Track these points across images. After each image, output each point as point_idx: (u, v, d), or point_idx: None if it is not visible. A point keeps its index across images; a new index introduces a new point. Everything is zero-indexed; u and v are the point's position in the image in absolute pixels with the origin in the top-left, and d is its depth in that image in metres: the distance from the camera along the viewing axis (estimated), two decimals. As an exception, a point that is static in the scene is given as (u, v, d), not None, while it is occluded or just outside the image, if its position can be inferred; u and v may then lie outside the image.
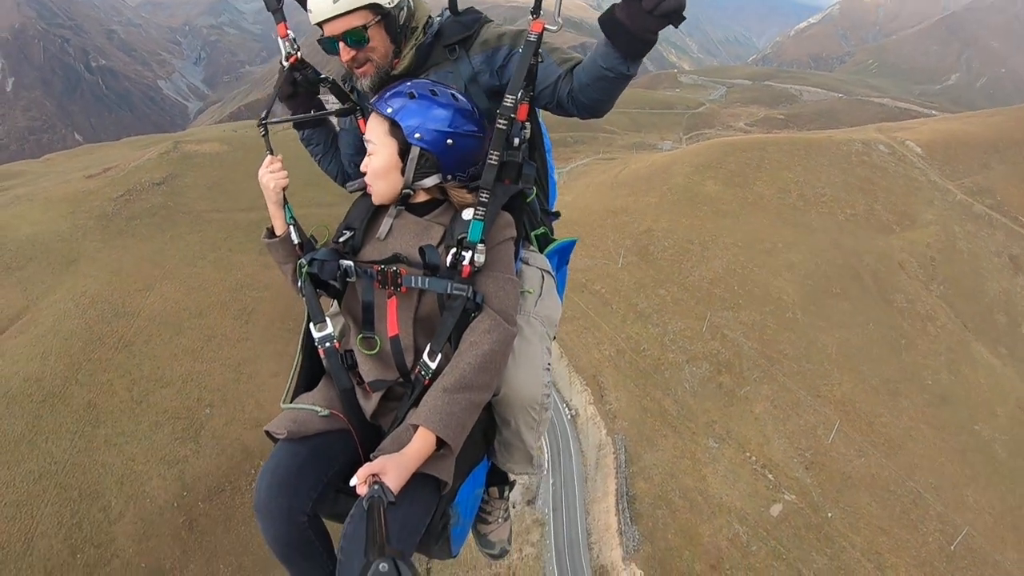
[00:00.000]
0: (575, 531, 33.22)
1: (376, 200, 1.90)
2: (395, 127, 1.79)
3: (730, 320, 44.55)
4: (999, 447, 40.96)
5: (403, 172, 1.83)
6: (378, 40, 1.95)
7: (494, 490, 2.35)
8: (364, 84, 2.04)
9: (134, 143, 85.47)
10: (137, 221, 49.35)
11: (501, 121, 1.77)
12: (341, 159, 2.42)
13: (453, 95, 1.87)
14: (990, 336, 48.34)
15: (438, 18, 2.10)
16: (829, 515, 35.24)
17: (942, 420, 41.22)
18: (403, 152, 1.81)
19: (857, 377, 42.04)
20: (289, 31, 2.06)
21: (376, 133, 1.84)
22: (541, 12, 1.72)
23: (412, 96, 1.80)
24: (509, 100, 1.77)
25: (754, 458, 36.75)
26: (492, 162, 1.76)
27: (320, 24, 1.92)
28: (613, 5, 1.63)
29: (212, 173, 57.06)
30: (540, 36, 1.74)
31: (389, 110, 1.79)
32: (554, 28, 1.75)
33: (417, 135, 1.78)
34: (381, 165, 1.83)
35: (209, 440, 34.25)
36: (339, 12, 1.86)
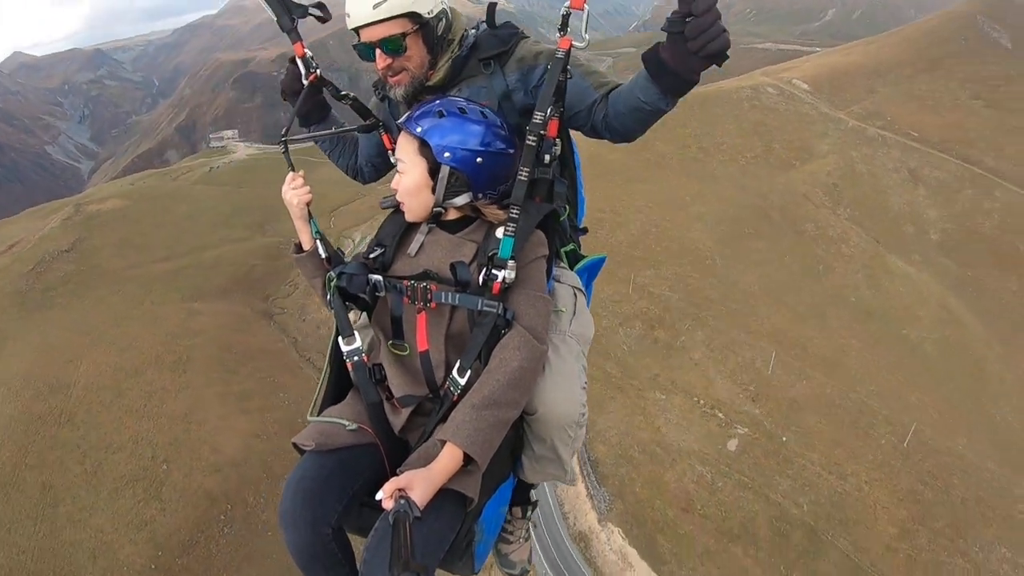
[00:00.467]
0: (547, 506, 40.96)
1: (409, 217, 2.35)
2: (424, 146, 2.23)
3: (653, 278, 55.66)
4: (928, 346, 55.00)
5: (434, 191, 2.27)
6: (415, 50, 2.43)
7: (516, 510, 2.91)
8: (397, 93, 2.52)
9: (34, 214, 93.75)
10: (53, 292, 57.23)
11: (530, 138, 2.17)
12: (357, 155, 3.09)
13: (483, 112, 2.30)
14: (902, 247, 63.15)
15: (473, 31, 2.60)
16: (784, 439, 46.31)
17: (871, 332, 54.65)
18: (433, 171, 2.25)
19: (784, 308, 54.55)
20: (306, 50, 2.60)
21: (406, 152, 2.29)
22: (569, 29, 2.14)
23: (441, 115, 2.23)
24: (538, 117, 2.17)
25: (702, 401, 47.26)
26: (522, 178, 2.16)
27: (357, 30, 2.40)
28: (658, 44, 2.04)
29: (119, 230, 66.84)
30: (568, 53, 2.17)
31: (419, 129, 2.21)
32: (581, 45, 2.16)
33: (447, 154, 2.20)
34: (412, 184, 2.28)
35: (172, 495, 40.52)
36: (378, 18, 2.32)
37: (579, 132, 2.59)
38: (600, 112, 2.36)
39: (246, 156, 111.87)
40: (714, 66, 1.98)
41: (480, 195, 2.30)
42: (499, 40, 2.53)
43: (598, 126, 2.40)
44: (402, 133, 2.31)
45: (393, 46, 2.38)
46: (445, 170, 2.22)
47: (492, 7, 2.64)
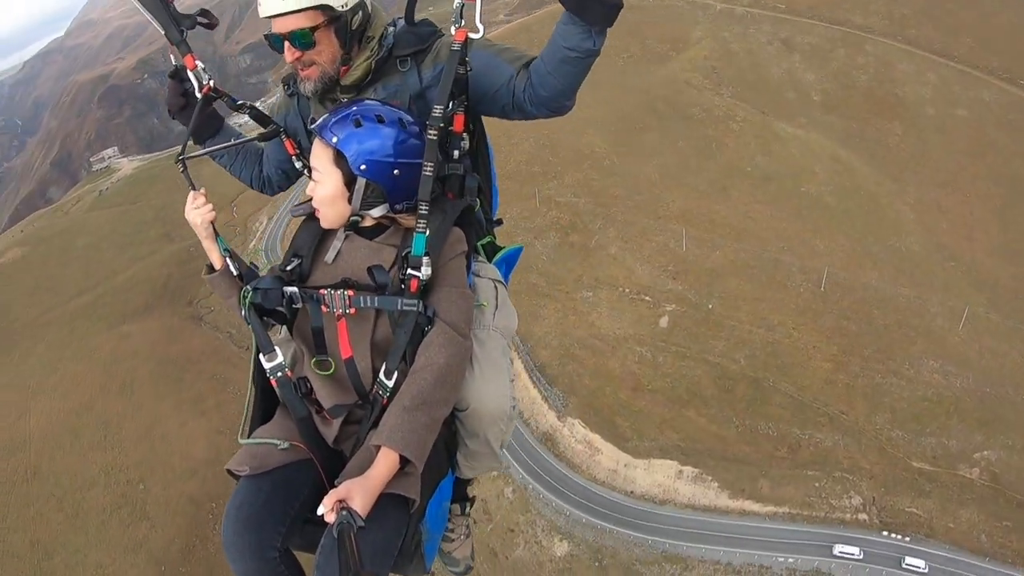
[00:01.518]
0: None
1: (324, 225, 2.47)
2: (340, 156, 2.32)
3: (558, 188, 60.00)
4: (827, 197, 61.82)
5: (350, 201, 2.39)
6: (325, 43, 2.49)
7: (455, 507, 3.08)
8: (307, 88, 2.60)
9: None
10: None
11: (431, 132, 2.30)
12: (261, 165, 3.21)
13: (400, 120, 2.38)
14: (787, 112, 69.24)
15: (392, 27, 2.69)
16: (710, 307, 51.67)
17: (772, 195, 60.86)
18: (349, 182, 2.37)
19: (686, 189, 59.90)
20: (198, 62, 2.69)
21: (321, 161, 2.39)
22: (463, 20, 2.30)
23: (358, 123, 2.32)
24: (437, 111, 2.31)
25: (627, 290, 52.03)
26: (427, 174, 2.28)
27: (268, 19, 2.48)
28: None
29: (25, 280, 70.25)
30: (464, 45, 2.33)
31: (334, 139, 2.30)
32: (477, 36, 2.33)
33: (363, 166, 2.30)
34: (327, 195, 2.39)
35: (157, 510, 44.38)
36: (288, 10, 2.39)
37: (504, 116, 2.65)
38: (521, 83, 2.46)
39: (132, 171, 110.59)
40: None
41: (397, 205, 2.45)
42: (417, 38, 2.65)
43: (521, 100, 2.48)
44: (316, 140, 2.42)
45: (302, 39, 2.47)
46: (361, 182, 2.36)
47: (412, 3, 2.72)
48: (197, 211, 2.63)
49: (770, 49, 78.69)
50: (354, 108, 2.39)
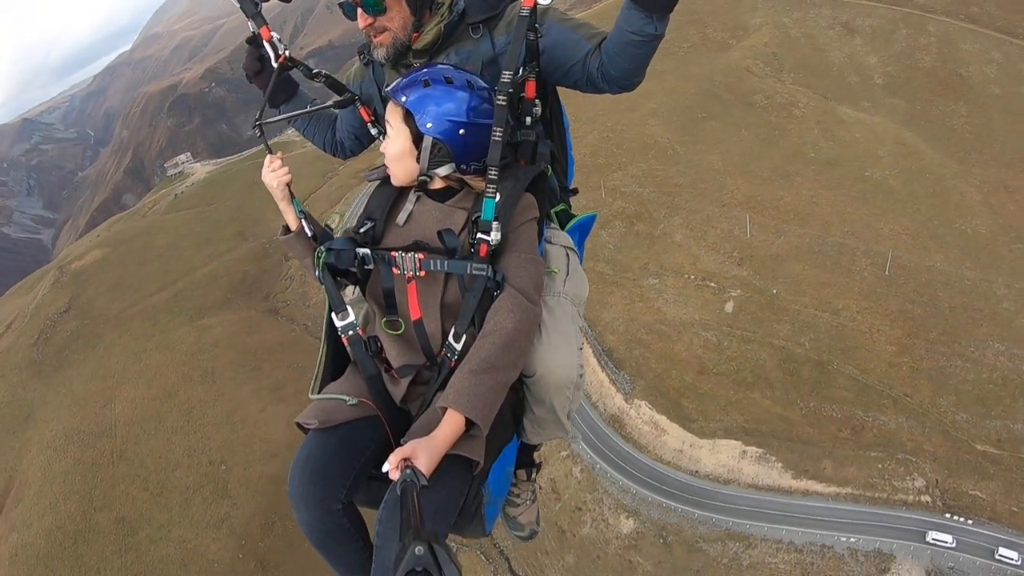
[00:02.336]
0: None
1: (394, 182, 2.58)
2: (408, 115, 2.42)
3: (622, 178, 61.04)
4: (892, 180, 61.14)
5: (418, 159, 2.46)
6: (396, 9, 2.58)
7: (521, 472, 3.12)
8: (379, 54, 2.71)
9: (16, 292, 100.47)
10: (66, 351, 64.18)
11: (500, 97, 2.34)
12: (335, 130, 3.33)
13: (469, 82, 2.45)
14: (850, 97, 68.83)
15: None
16: (774, 291, 52.20)
17: (836, 179, 60.53)
18: (417, 140, 2.44)
19: (750, 176, 60.17)
20: (273, 32, 2.77)
21: (393, 119, 2.50)
22: None
23: (427, 84, 2.40)
24: (506, 76, 2.34)
25: (692, 277, 52.89)
26: (496, 139, 2.33)
27: None
28: None
29: (108, 277, 74.76)
30: (533, 10, 2.37)
31: (404, 99, 2.40)
32: (546, 2, 2.38)
33: (429, 125, 2.38)
34: (396, 151, 2.50)
35: (239, 489, 47.78)
36: None
37: (577, 89, 2.73)
38: (595, 62, 2.53)
39: (206, 175, 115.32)
40: None
41: (464, 166, 2.50)
42: (488, 4, 2.73)
43: (594, 77, 2.56)
44: (390, 101, 2.51)
45: (374, 5, 2.57)
46: (428, 140, 2.43)
47: None
48: (274, 174, 2.71)
49: (830, 33, 77.36)
50: (425, 71, 2.50)
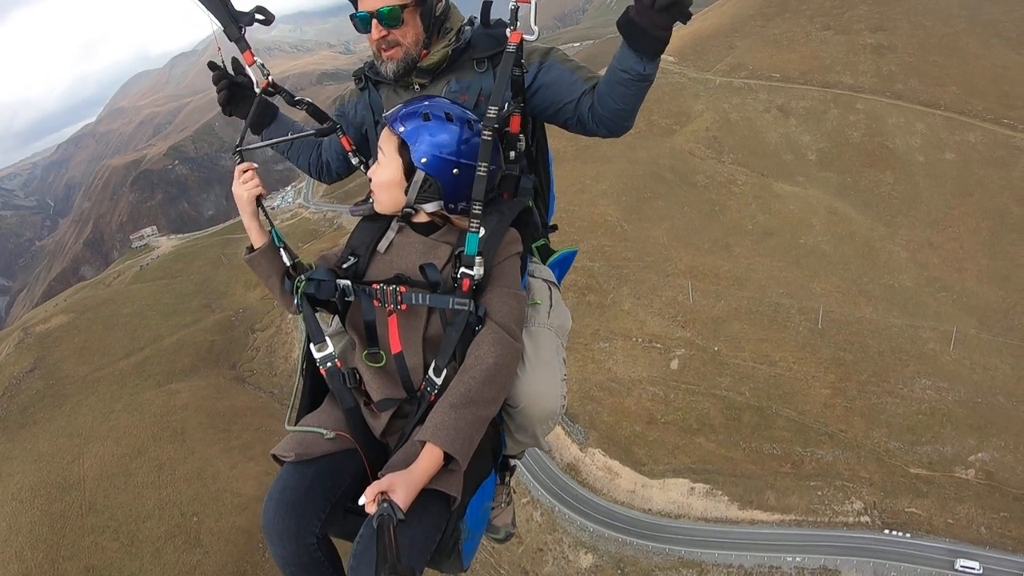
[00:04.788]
0: (534, 453, 56.74)
1: (377, 208, 2.77)
2: (404, 146, 2.61)
3: (573, 256, 74.60)
4: (824, 245, 73.23)
5: (406, 192, 2.67)
6: (411, 25, 2.89)
7: (496, 475, 3.25)
8: (389, 69, 3.00)
9: None
10: (31, 409, 71.68)
11: (485, 133, 2.57)
12: (320, 151, 3.64)
13: (468, 121, 2.67)
14: (785, 173, 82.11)
15: (468, 27, 3.12)
16: (716, 349, 63.14)
17: (772, 248, 72.75)
18: (408, 172, 2.64)
19: (692, 249, 72.20)
20: (256, 57, 3.09)
21: (387, 146, 2.69)
22: (518, 23, 2.66)
23: (427, 118, 2.60)
24: (491, 112, 2.57)
25: (640, 339, 63.98)
26: (480, 173, 2.55)
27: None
28: (628, 6, 2.48)
29: (74, 341, 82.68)
30: (519, 47, 2.69)
31: (401, 129, 2.60)
32: (531, 37, 2.65)
33: (424, 160, 2.59)
34: (385, 180, 2.70)
35: (210, 539, 54.16)
36: None
37: (566, 128, 3.09)
38: (587, 103, 2.90)
39: (171, 249, 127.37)
40: (680, 24, 2.48)
41: (452, 205, 2.71)
42: (494, 40, 2.99)
43: (584, 117, 2.92)
44: (385, 127, 2.72)
45: (391, 16, 2.85)
46: (420, 174, 2.63)
47: (487, 5, 3.08)
48: (244, 185, 2.89)
49: (767, 116, 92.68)
50: (425, 103, 2.69)
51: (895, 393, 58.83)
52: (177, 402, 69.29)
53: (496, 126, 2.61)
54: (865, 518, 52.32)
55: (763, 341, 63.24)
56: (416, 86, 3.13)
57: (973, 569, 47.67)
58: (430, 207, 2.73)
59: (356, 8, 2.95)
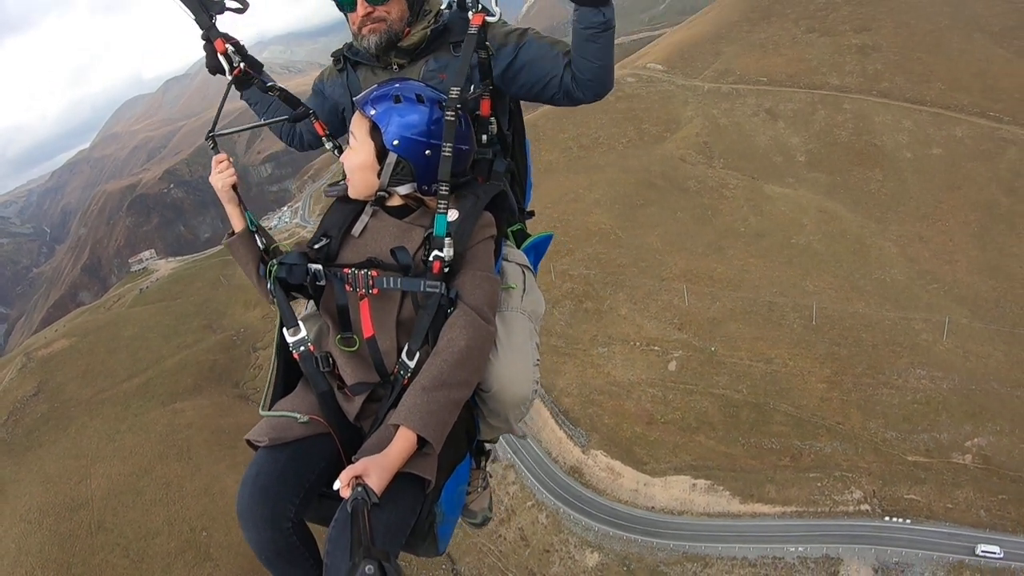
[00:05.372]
0: (538, 457, 59.53)
1: (351, 193, 2.87)
2: (375, 129, 2.70)
3: (570, 262, 74.79)
4: (816, 244, 76.23)
5: (379, 175, 2.77)
6: (397, 2, 3.08)
7: (472, 460, 3.44)
8: (371, 42, 3.13)
9: None
10: (36, 432, 73.85)
11: (448, 113, 2.68)
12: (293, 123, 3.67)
13: (439, 102, 2.75)
14: (776, 175, 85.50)
15: (447, 11, 3.29)
16: (712, 349, 65.89)
17: (764, 249, 75.65)
18: (380, 155, 2.73)
19: (685, 253, 75.08)
20: (227, 44, 3.23)
21: (358, 130, 2.79)
22: (479, 5, 2.82)
23: (398, 100, 2.69)
24: (453, 92, 2.71)
25: (637, 343, 66.75)
26: (445, 154, 2.66)
27: None
28: None
29: (76, 365, 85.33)
30: (481, 28, 2.86)
31: (372, 112, 2.69)
32: (493, 18, 2.83)
33: (395, 142, 2.67)
34: (358, 163, 2.80)
35: (221, 552, 56.84)
36: None
37: (553, 103, 3.24)
38: (568, 73, 3.05)
39: (170, 271, 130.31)
40: None
41: (425, 187, 2.80)
42: (469, 23, 3.09)
43: (569, 86, 3.07)
44: (356, 111, 2.83)
45: None
46: (392, 157, 2.73)
47: None
48: (220, 175, 3.11)
49: (756, 120, 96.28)
50: (396, 85, 2.80)
51: (890, 384, 61.28)
52: (182, 421, 71.91)
53: (459, 107, 2.74)
54: (865, 506, 54.55)
55: (758, 340, 66.05)
56: (395, 66, 3.31)
57: (994, 554, 49.30)
58: (403, 189, 2.83)
59: None
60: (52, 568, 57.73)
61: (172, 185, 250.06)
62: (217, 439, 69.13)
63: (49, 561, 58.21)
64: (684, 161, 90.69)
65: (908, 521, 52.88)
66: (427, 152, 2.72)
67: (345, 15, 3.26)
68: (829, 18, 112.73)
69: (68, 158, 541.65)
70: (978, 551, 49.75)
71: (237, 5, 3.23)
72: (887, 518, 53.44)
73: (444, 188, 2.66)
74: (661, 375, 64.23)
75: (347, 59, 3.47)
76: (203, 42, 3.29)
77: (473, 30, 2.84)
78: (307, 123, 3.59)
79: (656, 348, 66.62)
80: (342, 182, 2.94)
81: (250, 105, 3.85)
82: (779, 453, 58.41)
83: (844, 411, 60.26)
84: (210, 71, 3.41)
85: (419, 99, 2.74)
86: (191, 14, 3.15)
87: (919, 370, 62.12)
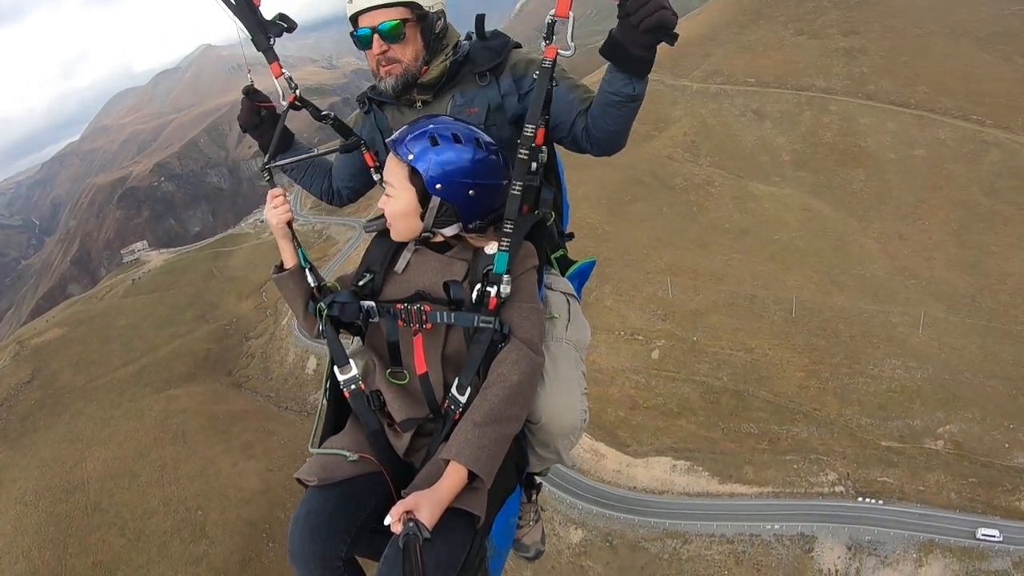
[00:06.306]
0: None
1: (395, 238, 2.94)
2: (415, 174, 2.75)
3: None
4: (798, 241, 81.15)
5: (422, 218, 2.83)
6: (412, 40, 3.17)
7: (523, 495, 3.57)
8: (388, 84, 3.26)
9: None
10: (31, 418, 78.17)
11: (522, 151, 2.74)
12: (331, 179, 3.98)
13: (477, 139, 2.83)
14: (761, 174, 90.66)
15: (466, 42, 3.40)
16: (695, 339, 70.56)
17: (748, 245, 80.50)
18: (422, 199, 2.79)
19: (671, 248, 79.71)
20: (284, 70, 3.34)
21: (395, 177, 2.83)
22: (555, 38, 2.75)
23: (434, 141, 2.75)
24: (529, 130, 2.75)
25: (622, 332, 71.28)
26: (515, 192, 2.73)
27: (356, 16, 3.15)
28: (611, 30, 2.71)
29: (70, 353, 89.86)
30: (554, 62, 2.78)
31: (410, 156, 2.73)
32: (568, 53, 2.75)
33: (438, 186, 2.74)
34: (400, 209, 2.84)
35: (216, 531, 60.00)
36: (382, 2, 3.05)
37: (560, 145, 3.39)
38: (581, 123, 3.13)
39: (162, 263, 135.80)
40: (666, 44, 2.65)
41: (470, 225, 2.90)
42: (492, 52, 3.33)
43: (579, 137, 3.17)
44: (391, 155, 2.85)
45: (392, 31, 3.12)
46: (435, 201, 2.78)
47: (480, 18, 3.44)
48: (275, 211, 3.19)
49: (743, 120, 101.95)
50: (430, 125, 2.83)
51: (866, 374, 65.70)
52: (176, 407, 75.74)
53: (533, 145, 2.80)
54: (839, 488, 58.67)
55: (740, 330, 70.87)
56: (419, 103, 3.45)
57: (994, 537, 52.05)
58: (450, 231, 2.93)
59: (356, 27, 3.22)
60: (48, 547, 60.80)
61: (163, 178, 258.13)
62: (212, 424, 72.88)
63: (46, 541, 61.32)
64: (672, 159, 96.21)
65: (880, 502, 56.64)
66: (471, 193, 2.81)
67: (366, 55, 3.38)
68: (818, 21, 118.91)
69: (58, 150, 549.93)
70: (979, 535, 52.66)
71: (286, 24, 3.40)
72: (860, 499, 57.18)
73: (508, 226, 2.74)
74: (645, 363, 68.95)
75: (371, 100, 3.62)
76: (243, 97, 3.66)
77: (547, 63, 2.79)
78: (342, 177, 3.95)
79: (640, 337, 71.38)
80: (381, 218, 3.02)
81: (286, 172, 3.96)
82: (757, 437, 62.67)
83: (821, 398, 64.62)
84: (244, 126, 3.73)
85: (456, 139, 2.80)
86: (248, 34, 3.31)
87: (895, 360, 66.52)
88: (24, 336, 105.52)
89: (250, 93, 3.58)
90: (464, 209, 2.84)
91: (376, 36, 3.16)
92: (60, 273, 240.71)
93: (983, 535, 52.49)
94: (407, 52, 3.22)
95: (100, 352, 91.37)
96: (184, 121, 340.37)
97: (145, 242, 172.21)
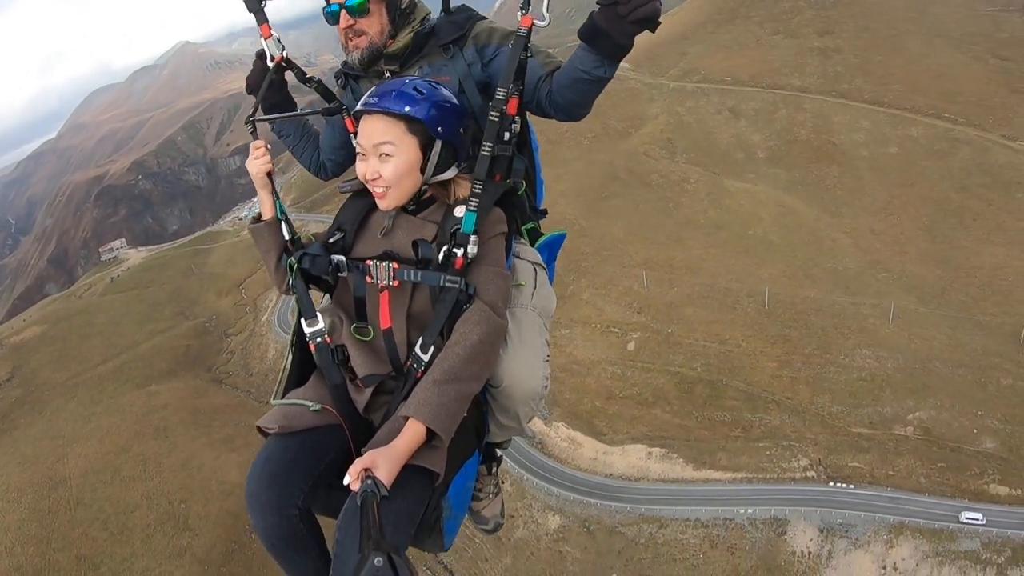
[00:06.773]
0: (509, 435, 67.60)
1: (388, 205, 2.96)
2: (413, 124, 2.83)
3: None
4: (772, 236, 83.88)
5: (422, 170, 2.91)
6: (377, 15, 3.36)
7: (483, 467, 3.66)
8: (355, 56, 3.45)
9: None
10: (11, 415, 79.21)
11: (493, 113, 2.88)
12: (319, 151, 4.11)
13: (435, 85, 2.97)
14: (736, 171, 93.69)
15: (432, 17, 3.54)
16: (670, 331, 73.13)
17: (722, 240, 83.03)
18: (424, 147, 2.87)
19: (647, 243, 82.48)
20: (273, 31, 3.45)
21: (393, 134, 2.84)
22: (530, 8, 2.83)
23: (419, 91, 2.86)
24: (501, 93, 2.89)
25: (599, 325, 73.62)
26: (485, 154, 2.85)
27: None
28: (592, 12, 2.73)
29: (49, 350, 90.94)
30: (529, 31, 2.86)
31: (406, 108, 2.81)
32: (543, 23, 2.83)
33: (440, 128, 2.84)
34: (404, 165, 2.85)
35: (199, 523, 61.44)
36: None
37: (525, 109, 3.39)
38: (544, 88, 3.20)
39: (141, 261, 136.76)
40: (647, 31, 2.70)
41: (463, 164, 3.04)
42: (456, 25, 3.49)
43: (543, 102, 3.24)
44: (375, 117, 2.88)
45: (358, 7, 3.34)
46: (438, 145, 2.89)
47: None
48: (256, 161, 3.29)
49: (719, 118, 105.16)
50: (405, 81, 2.97)
51: (837, 363, 68.46)
52: (157, 402, 77.14)
53: (504, 107, 2.95)
54: (811, 473, 61.12)
55: (714, 323, 73.61)
56: (387, 73, 3.57)
57: (977, 520, 54.12)
58: (447, 174, 3.03)
59: (328, 2, 3.41)
60: (31, 543, 61.78)
61: (140, 176, 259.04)
62: (194, 419, 74.51)
63: (28, 537, 62.29)
64: (648, 156, 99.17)
65: (851, 486, 59.11)
66: (462, 130, 2.99)
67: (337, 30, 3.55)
68: (793, 21, 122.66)
69: (33, 148, 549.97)
70: (962, 518, 54.67)
71: None
72: (832, 483, 59.68)
73: (478, 186, 2.85)
74: (620, 354, 71.55)
75: (347, 75, 3.80)
76: (255, 58, 3.80)
77: (522, 32, 2.87)
78: (328, 150, 4.12)
79: (616, 330, 74.00)
80: (355, 179, 3.12)
81: (280, 137, 4.26)
82: (731, 425, 65.24)
83: (793, 387, 67.27)
84: (249, 86, 3.83)
85: (432, 86, 2.96)
86: None
87: (865, 350, 69.34)
88: (2, 335, 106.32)
89: (262, 56, 3.72)
90: (460, 147, 3.00)
91: (343, 11, 3.39)
92: (37, 272, 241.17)
93: (967, 518, 54.57)
94: (372, 25, 3.42)
95: (80, 349, 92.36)
96: (162, 119, 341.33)
97: (123, 240, 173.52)
